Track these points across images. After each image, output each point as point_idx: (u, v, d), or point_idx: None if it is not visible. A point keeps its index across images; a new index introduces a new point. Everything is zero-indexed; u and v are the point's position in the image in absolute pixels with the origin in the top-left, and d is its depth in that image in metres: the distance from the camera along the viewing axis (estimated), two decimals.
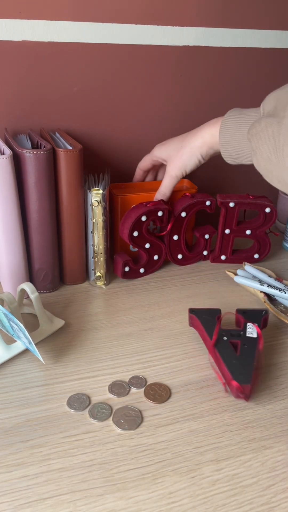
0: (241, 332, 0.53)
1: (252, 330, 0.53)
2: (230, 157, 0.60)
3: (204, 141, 0.61)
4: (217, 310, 0.57)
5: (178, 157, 0.64)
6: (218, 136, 0.59)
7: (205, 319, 0.55)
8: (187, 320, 0.59)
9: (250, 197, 0.71)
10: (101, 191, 0.62)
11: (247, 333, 0.53)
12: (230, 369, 0.48)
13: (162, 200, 0.68)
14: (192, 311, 0.57)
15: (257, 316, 0.56)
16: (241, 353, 0.50)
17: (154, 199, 0.69)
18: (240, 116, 0.58)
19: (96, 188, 0.62)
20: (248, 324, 0.54)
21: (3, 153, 0.58)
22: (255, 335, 0.52)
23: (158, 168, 0.76)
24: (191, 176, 0.76)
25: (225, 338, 0.52)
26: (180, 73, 0.78)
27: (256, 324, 0.54)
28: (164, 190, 0.68)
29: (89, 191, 0.63)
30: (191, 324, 0.58)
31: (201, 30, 0.75)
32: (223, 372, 0.50)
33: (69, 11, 0.67)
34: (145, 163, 0.73)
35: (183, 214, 0.70)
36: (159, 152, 0.69)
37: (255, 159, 0.52)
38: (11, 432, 0.44)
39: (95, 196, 0.62)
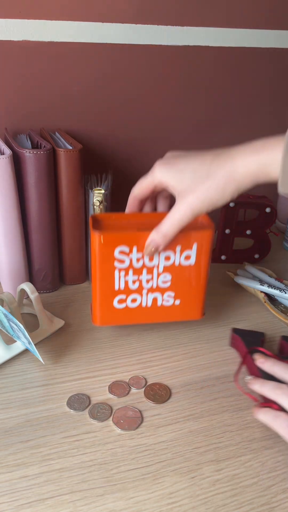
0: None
1: None
2: None
3: (249, 172, 0.44)
4: (261, 333, 0.55)
5: (202, 189, 0.46)
6: (282, 160, 0.42)
7: (248, 341, 0.54)
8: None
9: (250, 197, 0.71)
10: (103, 191, 0.62)
11: None
12: None
13: None
14: (235, 331, 0.56)
15: None
16: None
17: (149, 241, 0.49)
18: None
19: (98, 188, 0.62)
20: None
21: (3, 153, 0.58)
22: None
23: (157, 195, 0.55)
24: None
25: None
26: (180, 73, 0.78)
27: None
28: (167, 229, 0.48)
29: (91, 191, 0.63)
30: (233, 344, 0.57)
31: (201, 30, 0.75)
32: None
33: (69, 11, 0.67)
34: (142, 189, 0.51)
35: None
36: (167, 177, 0.48)
37: None
38: (11, 432, 0.44)
39: (97, 196, 0.62)
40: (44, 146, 0.59)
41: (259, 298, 0.66)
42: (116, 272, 0.51)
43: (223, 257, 0.76)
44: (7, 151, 0.57)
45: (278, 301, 0.66)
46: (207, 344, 0.58)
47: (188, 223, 0.48)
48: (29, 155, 0.57)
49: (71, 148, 0.61)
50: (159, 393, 0.50)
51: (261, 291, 0.65)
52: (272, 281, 0.67)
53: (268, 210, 0.71)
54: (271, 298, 0.66)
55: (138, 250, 0.50)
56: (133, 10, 0.70)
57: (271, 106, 0.85)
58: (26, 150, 0.57)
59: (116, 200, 0.72)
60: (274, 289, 0.64)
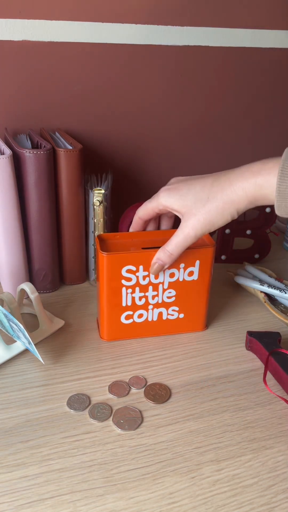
0: None
1: None
2: None
3: (246, 194, 0.47)
4: (277, 333, 0.55)
5: (203, 212, 0.49)
6: (277, 184, 0.44)
7: (266, 342, 0.53)
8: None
9: None
10: (103, 191, 0.62)
11: None
12: None
13: None
14: (251, 334, 0.55)
15: None
16: None
17: (155, 260, 0.52)
18: None
19: (98, 188, 0.62)
20: None
21: (3, 153, 0.58)
22: None
23: (162, 215, 0.59)
24: None
25: None
26: (180, 73, 0.78)
27: None
28: (172, 249, 0.51)
29: (91, 191, 0.63)
30: (250, 347, 0.56)
31: (201, 30, 0.75)
32: None
33: (69, 11, 0.67)
34: (147, 211, 0.55)
35: None
36: (170, 202, 0.51)
37: None
38: (11, 432, 0.44)
39: (97, 196, 0.62)
40: (44, 146, 0.59)
41: (259, 298, 0.66)
42: (124, 290, 0.54)
43: (223, 257, 0.76)
44: (7, 151, 0.57)
45: (278, 301, 0.66)
46: (207, 344, 0.58)
47: (191, 243, 0.51)
48: (29, 155, 0.57)
49: (71, 148, 0.61)
50: (159, 393, 0.50)
51: (261, 291, 0.65)
52: (272, 281, 0.67)
53: (268, 210, 0.71)
54: (271, 298, 0.66)
55: (144, 269, 0.53)
56: (133, 10, 0.70)
57: (271, 106, 0.85)
58: (26, 150, 0.57)
59: (116, 200, 0.72)
60: (274, 289, 0.64)
